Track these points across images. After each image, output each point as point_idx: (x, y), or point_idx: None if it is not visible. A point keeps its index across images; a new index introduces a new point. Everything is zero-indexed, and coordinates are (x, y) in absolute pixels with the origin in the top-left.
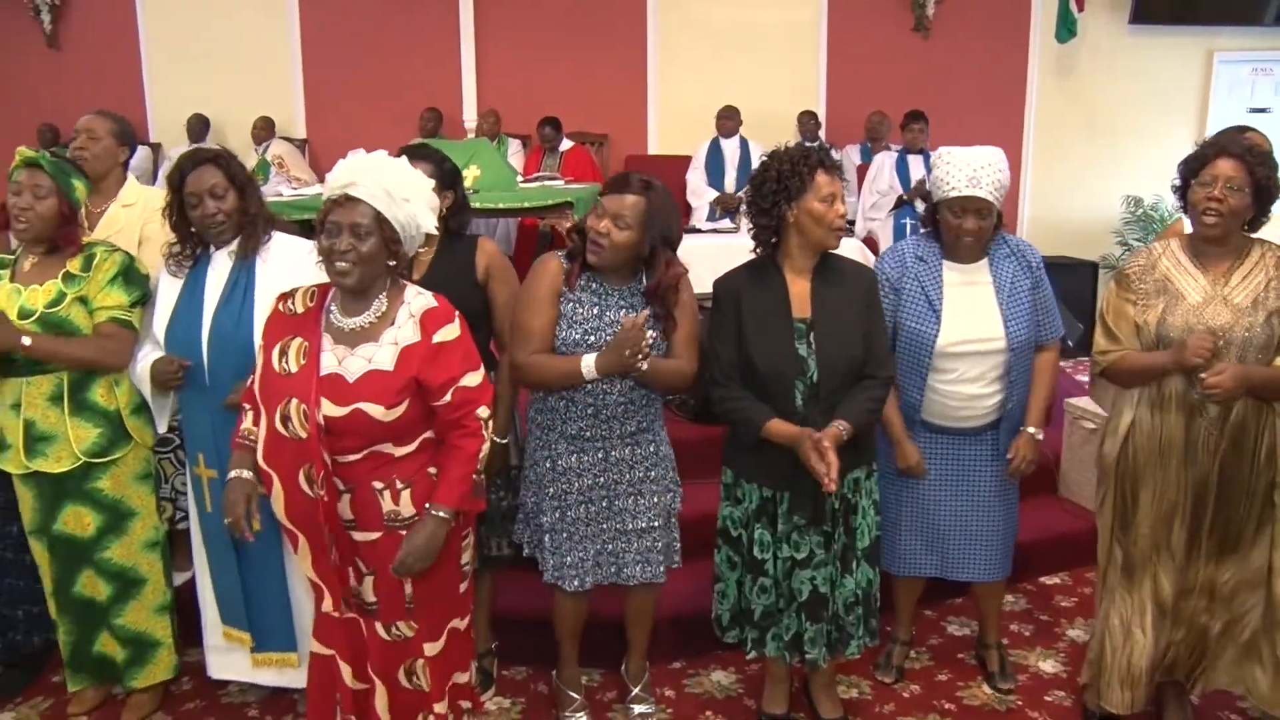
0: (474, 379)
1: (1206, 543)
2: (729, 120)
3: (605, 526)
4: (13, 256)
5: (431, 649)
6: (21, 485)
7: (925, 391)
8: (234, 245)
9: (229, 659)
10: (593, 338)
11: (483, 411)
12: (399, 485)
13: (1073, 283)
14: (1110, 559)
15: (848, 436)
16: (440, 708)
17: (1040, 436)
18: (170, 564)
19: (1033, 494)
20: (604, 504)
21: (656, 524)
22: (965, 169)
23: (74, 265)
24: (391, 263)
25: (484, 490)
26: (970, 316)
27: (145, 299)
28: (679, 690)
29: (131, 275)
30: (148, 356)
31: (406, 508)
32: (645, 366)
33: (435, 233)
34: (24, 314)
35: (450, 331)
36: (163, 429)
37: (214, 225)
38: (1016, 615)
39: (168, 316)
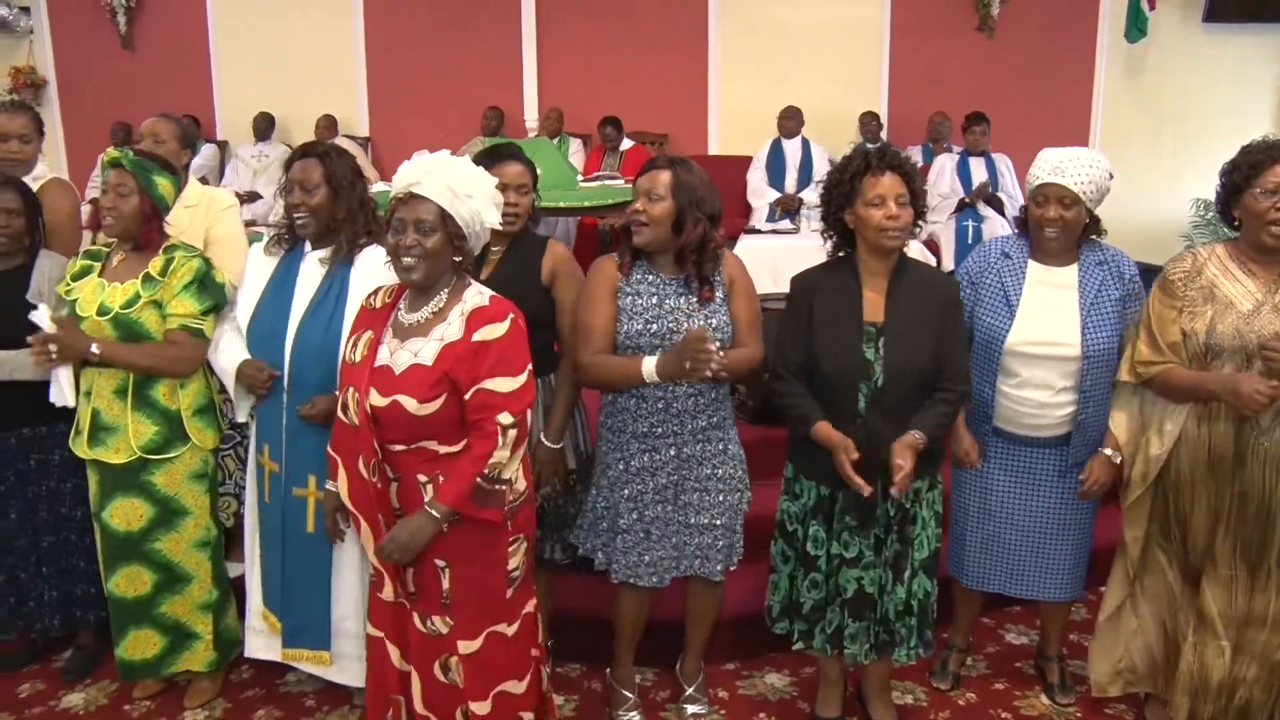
0: (503, 384)
1: (1267, 562)
2: (790, 121)
3: (674, 522)
4: (107, 250)
5: (465, 647)
6: (89, 469)
7: (996, 394)
8: (324, 254)
9: (267, 640)
10: (654, 326)
11: (504, 418)
12: (442, 480)
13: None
14: (1145, 564)
15: (922, 446)
16: (479, 708)
17: (1118, 459)
18: (222, 564)
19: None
20: (677, 500)
21: (719, 522)
22: (1052, 159)
23: (154, 267)
24: (457, 259)
25: (497, 500)
26: (1047, 318)
27: (218, 308)
28: (732, 691)
29: (207, 283)
30: (234, 348)
31: None
32: (717, 371)
33: (501, 228)
34: (102, 311)
35: (493, 331)
36: (242, 418)
37: (297, 215)
38: (1077, 625)
39: (253, 307)
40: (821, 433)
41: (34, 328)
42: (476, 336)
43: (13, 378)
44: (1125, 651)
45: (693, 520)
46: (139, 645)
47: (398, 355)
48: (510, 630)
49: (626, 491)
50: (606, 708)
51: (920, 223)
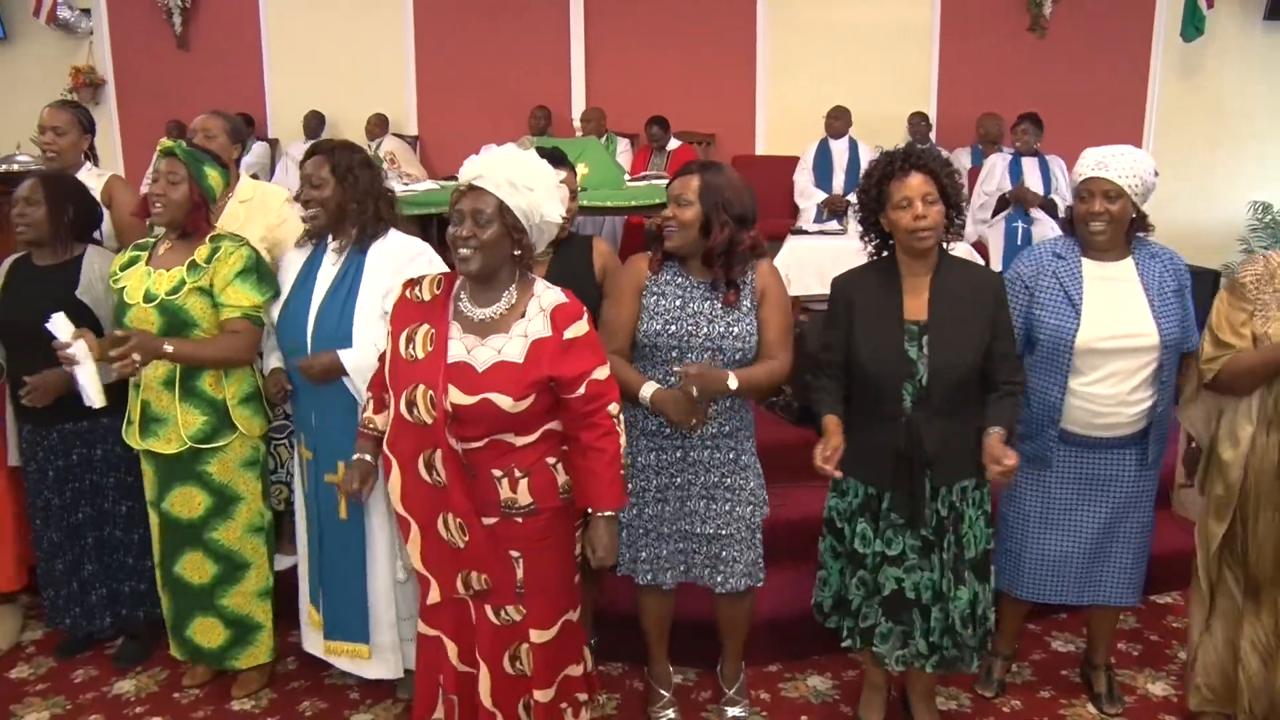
0: (603, 372)
1: None
2: (838, 121)
3: (676, 527)
4: (153, 240)
5: (539, 636)
6: (144, 459)
7: (1066, 395)
8: (339, 242)
9: (317, 635)
10: (673, 328)
11: (613, 408)
12: (517, 474)
13: (1194, 291)
14: (1221, 579)
15: (1006, 439)
16: (542, 695)
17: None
18: (274, 550)
19: None
20: (677, 504)
21: (726, 533)
22: (1095, 155)
23: (200, 255)
24: (516, 252)
25: (627, 480)
26: (1115, 312)
27: (277, 295)
28: (774, 694)
29: (262, 272)
30: (270, 355)
31: (523, 496)
32: (730, 385)
33: (559, 222)
34: (148, 297)
35: (580, 327)
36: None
37: (307, 210)
38: (1125, 634)
39: (282, 300)
40: (825, 424)
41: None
42: (569, 334)
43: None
44: (1203, 668)
45: (698, 529)
46: (206, 633)
47: (477, 352)
48: (575, 615)
49: (630, 487)
50: (646, 707)
51: (958, 218)
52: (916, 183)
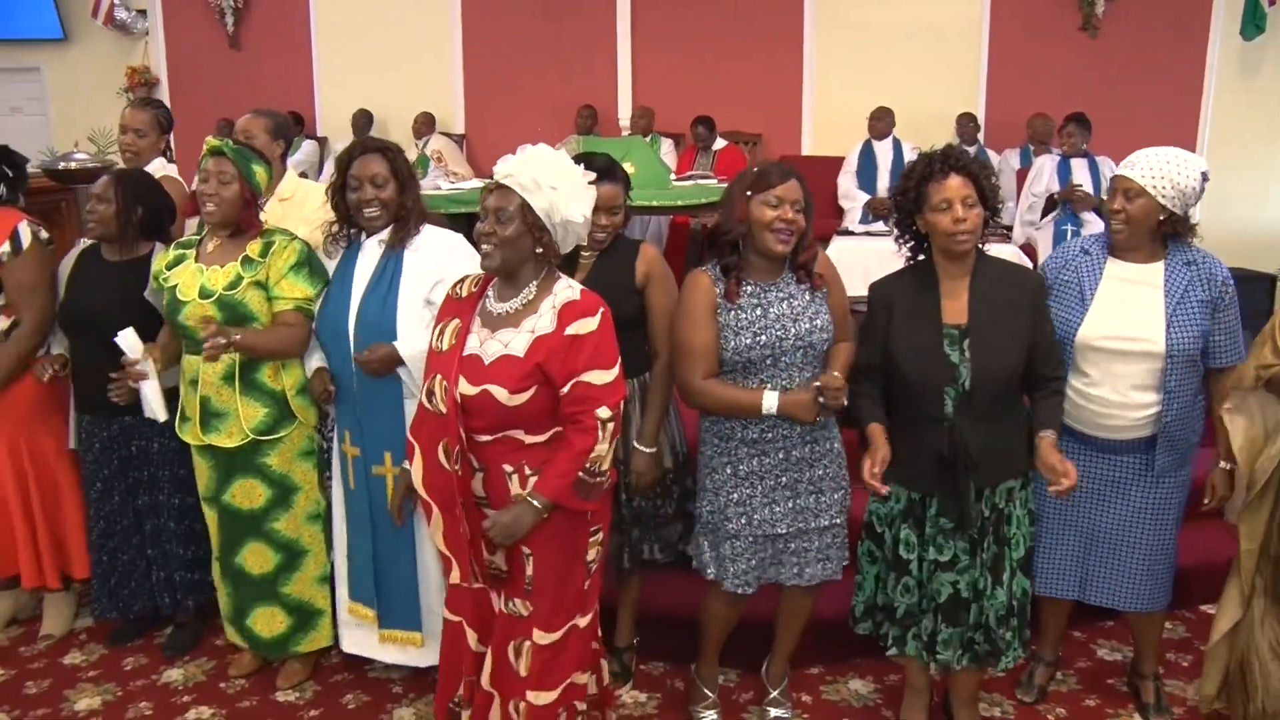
0: (599, 377)
1: None
2: (880, 122)
3: (789, 527)
4: (198, 237)
5: (541, 636)
6: (198, 455)
7: (1070, 392)
8: (385, 234)
9: (356, 634)
10: (763, 337)
11: (602, 412)
12: (527, 471)
13: (1247, 296)
14: (1255, 582)
15: (1056, 440)
16: (539, 698)
17: (1229, 468)
18: (330, 536)
19: (1193, 517)
20: (788, 504)
21: (838, 520)
22: (1131, 156)
23: (253, 250)
24: (538, 250)
25: (598, 492)
26: (1125, 313)
27: (327, 287)
28: (815, 696)
29: (315, 265)
30: (312, 355)
31: None
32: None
33: (580, 220)
34: (204, 294)
35: (586, 325)
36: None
37: (369, 210)
38: (1174, 644)
39: (321, 302)
40: (870, 433)
41: (143, 319)
42: (570, 330)
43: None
44: (1218, 665)
45: (813, 524)
46: (267, 622)
47: (487, 345)
48: (584, 622)
49: (735, 496)
50: (688, 705)
51: (997, 220)
52: (956, 185)
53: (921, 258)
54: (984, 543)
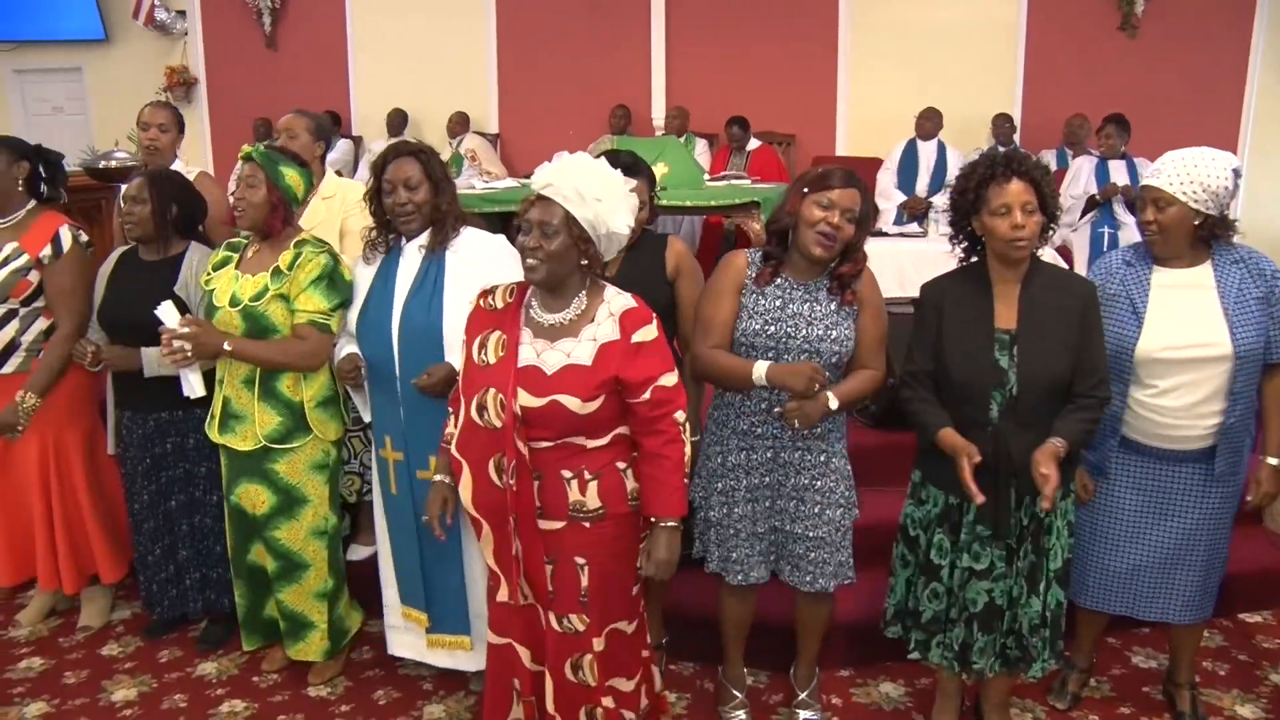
0: (671, 379)
1: None
2: (929, 122)
3: (766, 526)
4: (244, 241)
5: (599, 644)
6: (221, 452)
7: (1128, 403)
8: (424, 239)
9: (406, 638)
10: (772, 328)
11: (679, 415)
12: (587, 476)
13: None
14: None
15: (1064, 453)
16: (609, 702)
17: (1278, 463)
18: (338, 554)
19: (1236, 524)
20: (766, 504)
21: (815, 534)
22: (1157, 163)
23: (284, 261)
24: (584, 262)
25: (687, 490)
26: (1185, 321)
27: (346, 304)
28: (846, 699)
29: (335, 279)
30: (343, 349)
31: (592, 499)
32: (831, 406)
33: (627, 232)
34: (234, 302)
35: (649, 332)
36: (367, 418)
37: (403, 214)
38: (1211, 652)
39: (359, 305)
40: (945, 439)
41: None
42: (637, 337)
43: (158, 373)
44: None
45: (788, 528)
46: (274, 614)
47: (546, 355)
48: (630, 629)
49: (720, 485)
50: (717, 706)
51: (1052, 226)
52: (1017, 190)
53: (975, 260)
54: (1021, 550)
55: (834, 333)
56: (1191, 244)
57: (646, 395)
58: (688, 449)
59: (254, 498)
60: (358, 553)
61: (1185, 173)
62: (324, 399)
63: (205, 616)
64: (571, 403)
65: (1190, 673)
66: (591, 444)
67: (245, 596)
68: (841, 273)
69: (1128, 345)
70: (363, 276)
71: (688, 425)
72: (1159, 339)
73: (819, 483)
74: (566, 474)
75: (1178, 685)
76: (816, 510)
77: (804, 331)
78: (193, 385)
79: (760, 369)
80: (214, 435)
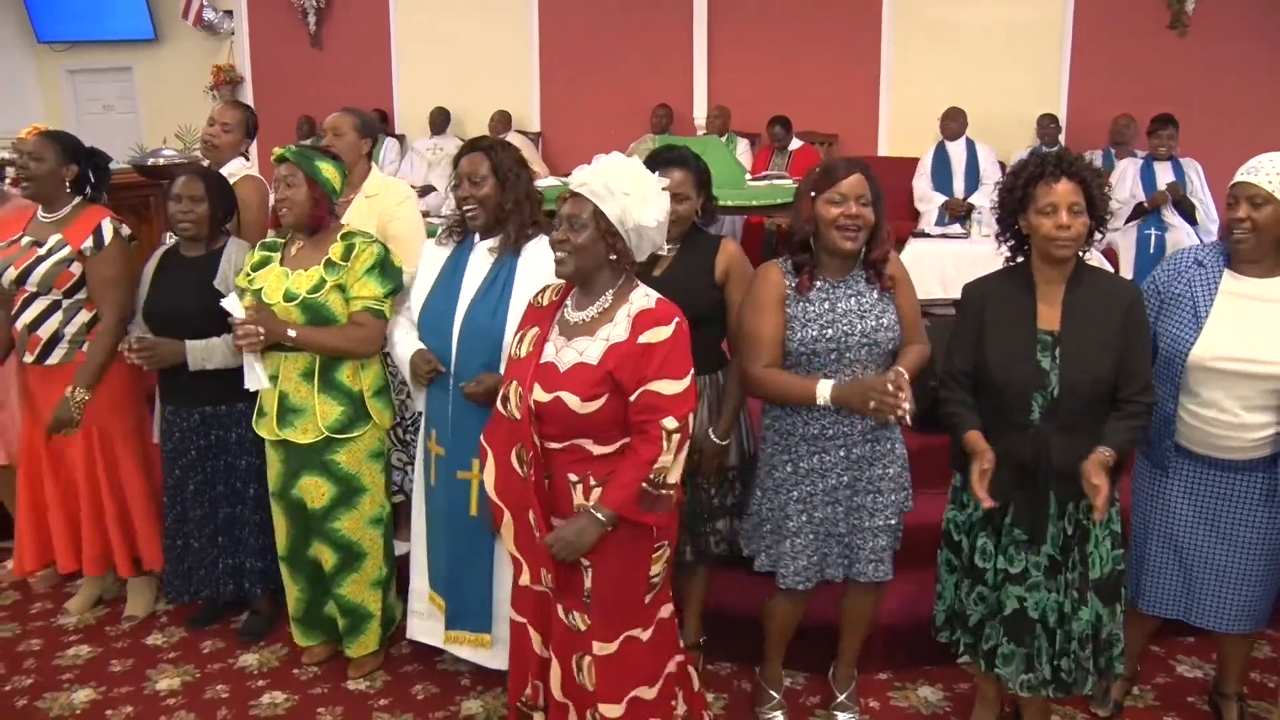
0: (669, 387)
1: None
2: (953, 122)
3: (846, 524)
4: (282, 240)
5: (601, 648)
6: (271, 449)
7: (1179, 411)
8: (493, 242)
9: (429, 624)
10: (829, 332)
11: (669, 422)
12: (592, 482)
13: None
14: None
15: (1113, 463)
16: (610, 710)
17: None
18: (391, 541)
19: None
20: (849, 502)
21: (893, 522)
22: (1253, 161)
23: (335, 253)
24: (612, 256)
25: (663, 505)
26: (1245, 331)
27: (398, 290)
28: (883, 702)
29: (387, 267)
30: (408, 339)
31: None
32: (898, 419)
33: (653, 225)
34: (289, 297)
35: (659, 334)
36: (420, 407)
37: (467, 208)
38: (1260, 663)
39: (425, 295)
40: (969, 441)
41: (221, 313)
42: (642, 339)
43: (205, 366)
44: None
45: (868, 523)
46: (333, 612)
47: (563, 353)
48: (645, 635)
49: (795, 494)
50: (754, 706)
51: (1101, 229)
52: (1065, 190)
53: (1020, 260)
54: (1068, 561)
55: (884, 320)
56: (1276, 249)
57: (633, 397)
58: (665, 458)
59: (314, 490)
60: (399, 548)
61: None
62: (380, 387)
63: (243, 608)
64: (571, 400)
65: (1238, 683)
66: (598, 450)
67: (305, 592)
68: (874, 259)
69: (1182, 349)
70: (433, 257)
71: (676, 438)
72: (1214, 347)
73: (890, 470)
74: (572, 477)
75: (1225, 696)
76: (893, 498)
77: (859, 326)
78: (259, 376)
79: (825, 389)
80: (267, 431)
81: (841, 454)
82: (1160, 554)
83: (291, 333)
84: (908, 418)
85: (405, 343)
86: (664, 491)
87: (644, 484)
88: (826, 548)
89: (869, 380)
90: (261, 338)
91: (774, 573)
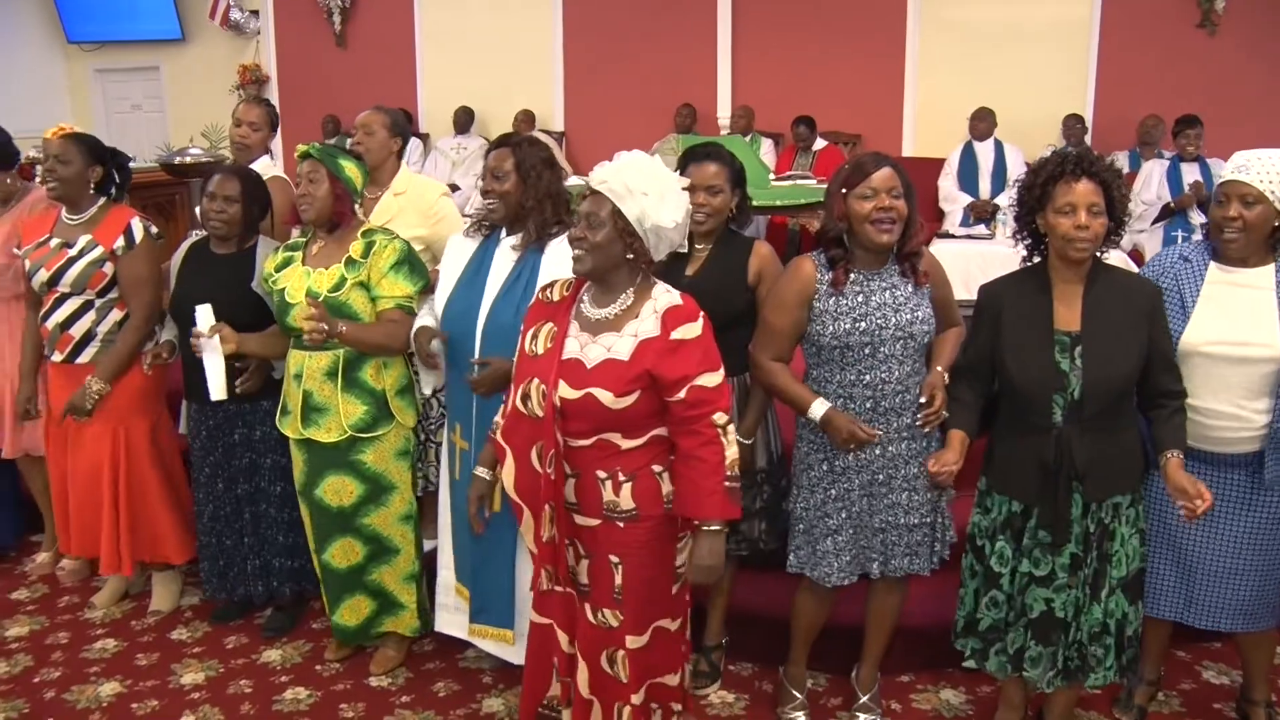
0: (711, 379)
1: None
2: (981, 123)
3: (881, 520)
4: (304, 240)
5: (633, 642)
6: (295, 448)
7: None
8: (517, 239)
9: (457, 617)
10: (863, 324)
11: (719, 417)
12: (621, 478)
13: None
14: None
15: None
16: (637, 698)
17: None
18: (420, 535)
19: None
20: (884, 499)
21: (928, 520)
22: (1239, 159)
23: (355, 251)
24: (629, 256)
25: (739, 495)
26: (1233, 318)
27: (427, 286)
28: (906, 704)
29: (413, 263)
30: (422, 319)
31: (626, 500)
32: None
33: (671, 226)
34: (311, 295)
35: (691, 330)
36: (428, 391)
37: (487, 202)
38: None
39: (450, 288)
40: (949, 438)
41: (248, 312)
42: (675, 334)
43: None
44: None
45: (902, 520)
46: (352, 612)
47: (589, 349)
48: (673, 626)
49: (834, 491)
50: (776, 707)
51: (1120, 231)
52: (1084, 190)
53: (1037, 260)
54: (1086, 559)
55: (919, 314)
56: (1263, 245)
57: (682, 394)
58: (730, 451)
59: (340, 490)
60: (426, 545)
61: (1275, 171)
62: (403, 386)
63: (268, 603)
64: (605, 396)
65: (1266, 691)
66: (627, 444)
67: (330, 591)
68: (909, 251)
69: (1173, 338)
70: (459, 251)
71: (730, 428)
72: (1204, 333)
73: (926, 468)
74: (601, 474)
75: (1253, 703)
76: (932, 496)
77: (893, 319)
78: (213, 386)
79: (818, 410)
80: (293, 431)
81: (877, 451)
82: (1156, 554)
83: (342, 328)
84: (951, 489)
85: (420, 323)
86: (738, 483)
87: (726, 483)
88: (866, 542)
89: (860, 430)
90: (324, 330)
91: (802, 573)
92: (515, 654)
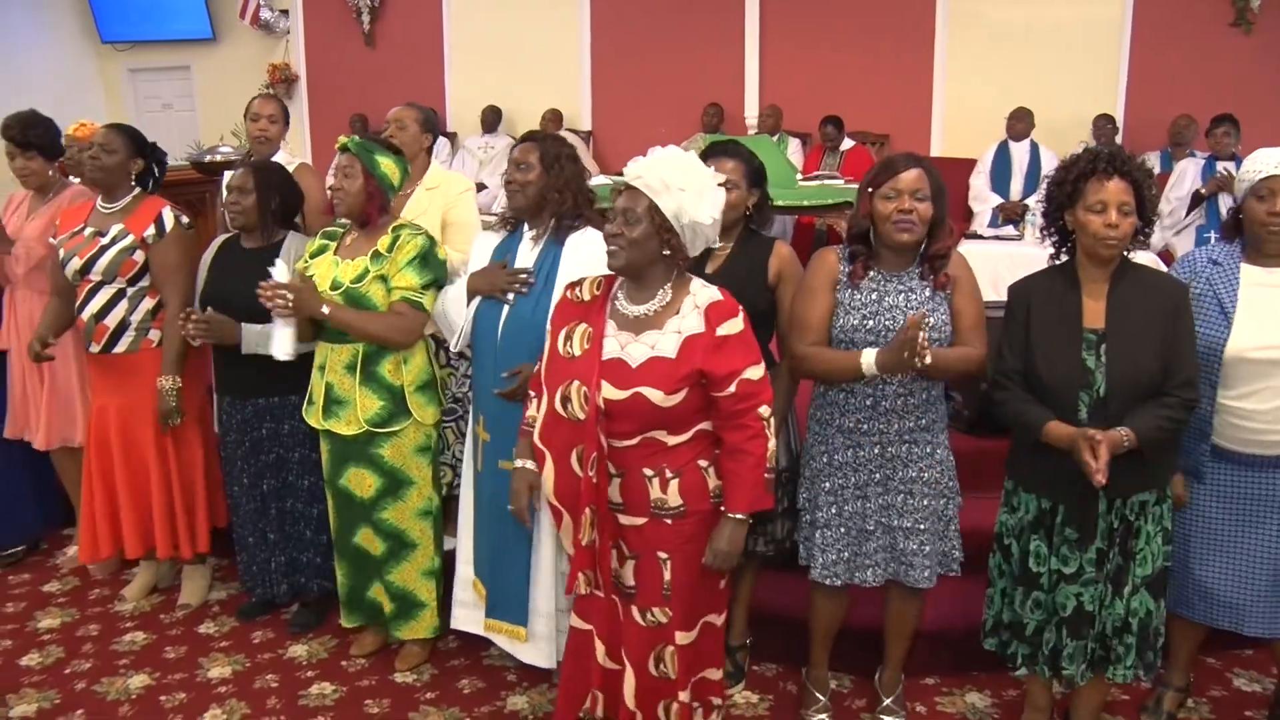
0: (756, 372)
1: None
2: (1020, 123)
3: (875, 523)
4: (342, 229)
5: (683, 638)
6: (322, 437)
7: (1216, 409)
8: (535, 231)
9: (474, 614)
10: (870, 322)
11: (764, 410)
12: (668, 474)
13: None
14: None
15: (1129, 445)
16: (684, 695)
17: None
18: (441, 532)
19: None
20: (877, 500)
21: (923, 526)
22: (1270, 154)
23: (382, 244)
24: (666, 252)
25: (773, 485)
26: (1276, 320)
27: (438, 283)
28: (930, 707)
29: (429, 259)
30: (458, 286)
31: (674, 497)
32: (926, 363)
33: (708, 222)
34: (334, 285)
35: (734, 325)
36: (456, 348)
37: (510, 192)
38: None
39: (432, 291)
40: (1054, 432)
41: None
42: (722, 330)
43: (258, 351)
44: None
45: (895, 523)
46: (381, 598)
47: (631, 348)
48: (719, 620)
49: (827, 485)
50: (799, 709)
51: (1147, 230)
52: (1116, 189)
53: (1065, 258)
54: (1110, 554)
55: (931, 318)
56: None
57: (732, 389)
58: (772, 444)
59: (360, 481)
60: (447, 544)
61: None
62: (423, 383)
63: (294, 600)
64: (654, 395)
65: None
66: (673, 440)
67: (349, 577)
68: (932, 254)
69: (1216, 346)
70: (485, 245)
71: (773, 422)
72: (1249, 338)
73: (926, 474)
74: (648, 472)
75: None
76: (926, 503)
77: (901, 322)
78: (281, 344)
79: (869, 357)
80: (316, 421)
81: (876, 451)
82: (1195, 560)
83: (325, 309)
84: (928, 356)
85: (454, 290)
86: (773, 474)
87: (767, 475)
88: (859, 546)
89: (900, 337)
90: (289, 304)
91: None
92: (527, 652)
